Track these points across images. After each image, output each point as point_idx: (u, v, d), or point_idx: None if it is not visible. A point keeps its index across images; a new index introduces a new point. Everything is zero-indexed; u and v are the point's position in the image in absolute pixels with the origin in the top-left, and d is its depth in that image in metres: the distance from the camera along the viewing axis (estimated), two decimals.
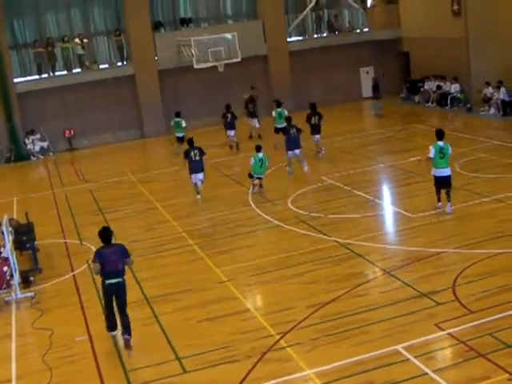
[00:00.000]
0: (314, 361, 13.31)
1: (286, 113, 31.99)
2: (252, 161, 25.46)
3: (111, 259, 14.74)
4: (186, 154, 25.80)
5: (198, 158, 25.62)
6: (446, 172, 21.06)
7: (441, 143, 20.98)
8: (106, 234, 15.15)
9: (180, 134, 34.27)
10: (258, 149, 25.62)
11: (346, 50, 45.21)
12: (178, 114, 34.80)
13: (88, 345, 15.33)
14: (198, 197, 25.89)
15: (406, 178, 25.33)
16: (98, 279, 15.59)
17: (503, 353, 12.62)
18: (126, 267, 15.18)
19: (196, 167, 25.61)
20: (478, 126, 33.86)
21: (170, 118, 39.30)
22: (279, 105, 33.36)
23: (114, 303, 14.99)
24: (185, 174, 26.50)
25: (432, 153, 20.81)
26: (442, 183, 21.12)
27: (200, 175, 25.78)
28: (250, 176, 25.95)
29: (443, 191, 21.21)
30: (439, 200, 21.42)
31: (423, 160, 21.88)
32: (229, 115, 34.62)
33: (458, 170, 25.43)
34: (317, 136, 30.69)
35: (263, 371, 13.19)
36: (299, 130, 27.93)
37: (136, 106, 41.87)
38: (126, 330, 15.01)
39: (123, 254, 15.00)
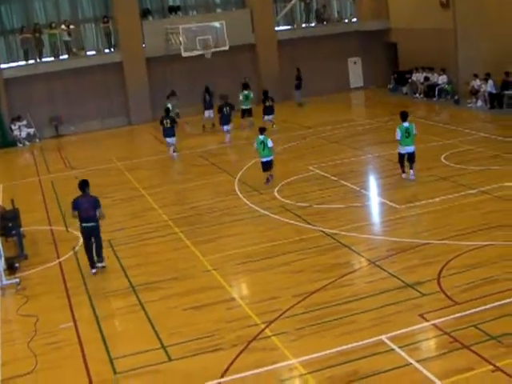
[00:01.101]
0: (299, 350, 13.34)
1: (251, 95, 36.81)
2: (255, 145, 25.38)
3: (84, 207, 18.47)
4: (220, 109, 33.95)
5: (228, 111, 33.75)
6: (410, 149, 23.58)
7: (406, 124, 23.42)
8: (81, 184, 18.84)
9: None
10: (261, 131, 25.43)
11: (335, 40, 45.22)
12: (246, 86, 37.34)
13: (73, 332, 15.31)
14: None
15: (392, 169, 25.35)
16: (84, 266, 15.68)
17: (487, 344, 12.67)
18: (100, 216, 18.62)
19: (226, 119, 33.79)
20: (465, 118, 33.95)
21: (157, 106, 39.35)
22: (246, 86, 36.90)
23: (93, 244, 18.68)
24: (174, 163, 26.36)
25: (398, 135, 23.50)
26: (407, 158, 23.74)
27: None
28: (264, 168, 25.36)
29: (407, 164, 23.79)
30: (403, 172, 23.97)
31: None
32: (207, 96, 37.48)
33: (444, 161, 25.52)
34: (270, 116, 35.38)
35: (248, 360, 13.21)
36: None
37: (123, 93, 41.78)
38: (99, 258, 18.84)
39: (94, 204, 18.54)
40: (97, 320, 15.82)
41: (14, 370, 13.86)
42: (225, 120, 34.24)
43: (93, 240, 18.68)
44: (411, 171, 23.71)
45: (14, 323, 16.35)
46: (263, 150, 25.00)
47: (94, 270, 18.53)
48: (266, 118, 35.33)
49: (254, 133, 30.83)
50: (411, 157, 23.65)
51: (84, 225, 18.55)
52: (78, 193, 26.16)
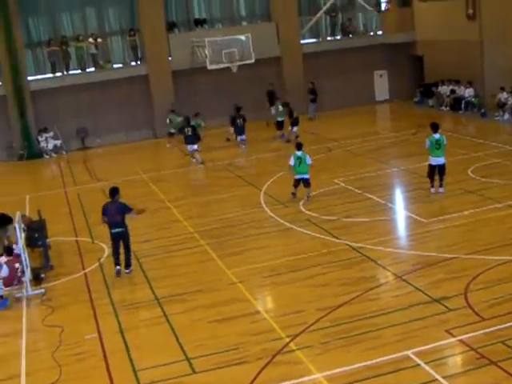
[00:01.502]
0: (324, 364, 13.27)
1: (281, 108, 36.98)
2: (291, 160, 24.53)
3: (112, 213, 19.27)
4: (232, 121, 35.52)
5: (241, 123, 34.90)
6: (441, 160, 23.30)
7: (437, 135, 23.25)
8: (111, 191, 19.68)
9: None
10: (298, 146, 24.85)
11: (360, 52, 45.07)
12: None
13: (98, 343, 15.34)
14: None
15: (418, 183, 25.22)
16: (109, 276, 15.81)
17: None
18: (127, 221, 19.42)
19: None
20: (492, 131, 33.75)
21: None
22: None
23: (121, 246, 19.43)
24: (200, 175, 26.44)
25: (427, 144, 23.38)
26: (438, 170, 23.43)
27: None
28: (295, 185, 24.68)
29: (437, 178, 23.56)
30: (432, 186, 23.60)
31: None
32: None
33: (471, 174, 25.37)
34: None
35: (272, 374, 13.17)
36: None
37: (149, 106, 41.87)
38: (127, 263, 19.46)
39: (121, 209, 19.26)
40: (121, 331, 15.84)
41: (38, 381, 13.93)
42: (239, 131, 35.22)
43: (121, 244, 19.45)
44: (440, 188, 23.56)
45: (39, 333, 16.42)
46: (299, 166, 24.34)
47: (118, 267, 19.37)
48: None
49: (282, 145, 30.97)
50: (442, 169, 23.41)
51: (112, 231, 19.34)
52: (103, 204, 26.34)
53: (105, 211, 19.49)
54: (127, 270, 19.40)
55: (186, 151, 33.70)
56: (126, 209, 19.41)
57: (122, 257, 19.52)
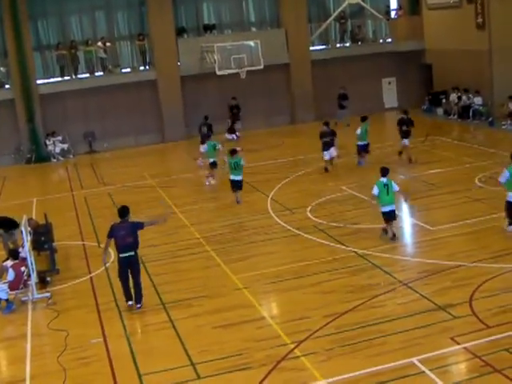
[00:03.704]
0: (329, 371, 13.26)
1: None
2: (375, 189, 20.59)
3: (121, 234, 16.95)
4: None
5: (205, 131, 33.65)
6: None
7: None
8: (120, 209, 17.48)
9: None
10: (384, 172, 20.74)
11: (369, 60, 45.07)
12: (364, 118, 31.09)
13: (103, 347, 15.36)
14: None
15: (425, 191, 25.21)
16: (115, 281, 15.84)
17: None
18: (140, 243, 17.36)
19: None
20: (500, 139, 33.68)
21: (190, 124, 39.62)
22: (364, 119, 31.02)
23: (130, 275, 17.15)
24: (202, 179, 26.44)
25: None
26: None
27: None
28: (387, 219, 20.67)
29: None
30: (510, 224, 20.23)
31: None
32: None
33: (478, 183, 25.32)
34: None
35: (277, 380, 13.17)
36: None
37: (157, 110, 41.94)
38: (137, 298, 17.17)
39: (133, 229, 17.11)
40: (127, 336, 15.86)
41: None
42: (202, 139, 33.53)
43: (131, 273, 17.22)
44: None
45: (44, 337, 16.45)
46: (387, 195, 20.50)
47: (130, 302, 17.21)
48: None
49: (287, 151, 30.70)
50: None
51: (121, 255, 17.05)
52: (110, 209, 26.46)
53: (113, 232, 17.17)
54: (139, 305, 17.20)
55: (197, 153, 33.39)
56: (137, 226, 17.34)
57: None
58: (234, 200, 26.30)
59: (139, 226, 17.40)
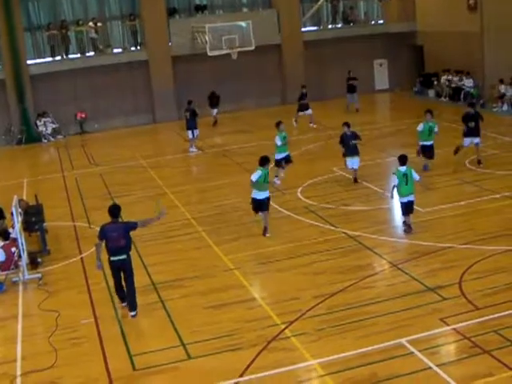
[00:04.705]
0: (319, 351, 13.33)
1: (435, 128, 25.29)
2: (396, 180, 19.55)
3: (113, 236, 15.44)
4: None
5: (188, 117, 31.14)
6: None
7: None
8: (111, 209, 15.89)
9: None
10: (403, 160, 19.57)
11: (361, 41, 45.02)
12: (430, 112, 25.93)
13: (94, 328, 15.39)
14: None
15: (416, 171, 25.17)
16: (106, 260, 15.81)
17: (508, 350, 12.62)
18: (132, 245, 16.00)
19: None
20: (491, 122, 33.56)
21: (182, 105, 39.44)
22: (430, 113, 25.63)
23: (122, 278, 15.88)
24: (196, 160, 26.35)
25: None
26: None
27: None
28: (405, 211, 19.61)
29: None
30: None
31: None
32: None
33: (469, 165, 25.37)
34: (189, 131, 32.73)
35: (267, 360, 13.22)
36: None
37: (148, 91, 41.86)
38: (131, 305, 15.81)
39: (126, 230, 15.59)
40: (117, 316, 15.89)
41: (34, 365, 13.95)
42: (187, 125, 32.94)
43: (123, 277, 15.87)
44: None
45: (35, 318, 16.46)
46: (406, 184, 19.33)
47: (124, 303, 16.13)
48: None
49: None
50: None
51: (112, 258, 15.61)
52: (101, 190, 26.42)
53: (104, 234, 15.59)
54: (132, 313, 15.80)
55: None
56: (131, 226, 15.82)
57: None
58: (227, 182, 26.32)
59: (133, 226, 15.88)
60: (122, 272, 15.74)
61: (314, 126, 35.85)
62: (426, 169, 25.02)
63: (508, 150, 27.14)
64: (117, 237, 15.46)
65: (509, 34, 36.46)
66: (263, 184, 20.05)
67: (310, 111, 36.01)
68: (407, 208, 19.46)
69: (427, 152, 25.11)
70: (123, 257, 15.55)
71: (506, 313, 14.03)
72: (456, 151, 25.58)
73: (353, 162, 24.68)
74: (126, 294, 15.91)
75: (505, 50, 36.68)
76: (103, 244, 15.75)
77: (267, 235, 20.10)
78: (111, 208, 15.92)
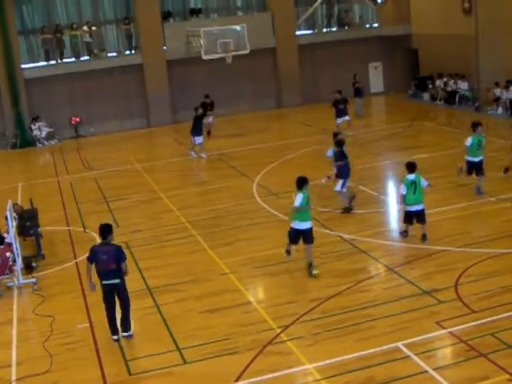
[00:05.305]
0: (315, 355, 13.29)
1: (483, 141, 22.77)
2: (403, 189, 18.62)
3: (103, 258, 14.43)
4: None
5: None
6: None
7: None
8: (101, 229, 14.80)
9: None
10: (412, 168, 18.71)
11: (355, 45, 45.09)
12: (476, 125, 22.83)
13: (89, 332, 15.33)
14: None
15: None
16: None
17: (504, 353, 12.60)
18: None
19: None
20: (485, 125, 33.66)
21: (176, 109, 39.46)
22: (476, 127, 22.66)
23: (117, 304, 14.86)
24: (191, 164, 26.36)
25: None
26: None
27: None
28: (406, 220, 19.05)
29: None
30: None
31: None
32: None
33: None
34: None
35: (263, 364, 13.18)
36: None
37: (143, 95, 41.83)
38: (124, 326, 14.87)
39: (117, 255, 14.50)
40: None
41: (30, 370, 13.89)
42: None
43: (119, 302, 14.89)
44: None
45: (30, 322, 16.40)
46: (414, 193, 18.59)
47: (115, 337, 14.78)
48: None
49: (274, 136, 30.65)
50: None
51: (104, 282, 14.62)
52: (96, 194, 26.36)
53: (94, 256, 14.60)
54: (126, 334, 14.85)
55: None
56: (121, 255, 14.65)
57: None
58: (222, 185, 26.28)
59: (123, 257, 14.65)
60: (115, 295, 14.73)
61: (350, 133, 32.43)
62: (479, 192, 22.13)
63: (503, 153, 27.09)
64: (107, 260, 14.44)
65: (503, 37, 36.53)
66: (306, 210, 17.55)
67: (348, 117, 33.49)
68: (417, 217, 18.79)
69: (477, 169, 22.36)
70: (116, 281, 14.54)
71: (502, 316, 14.02)
72: (507, 170, 24.17)
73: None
74: (121, 316, 14.86)
75: (500, 53, 36.73)
76: (93, 266, 14.71)
77: (315, 273, 17.17)
78: (102, 228, 14.82)
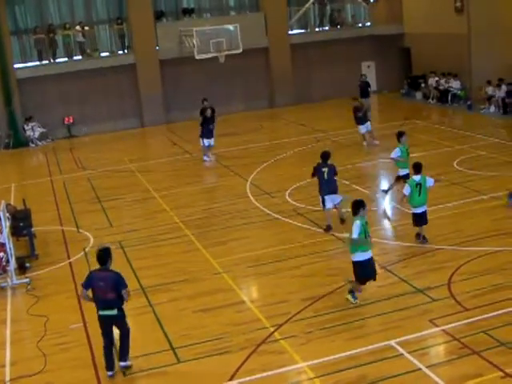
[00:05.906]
0: (308, 354, 13.33)
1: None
2: (407, 189, 18.25)
3: (100, 285, 13.10)
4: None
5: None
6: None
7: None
8: (99, 254, 13.40)
9: None
10: (417, 168, 18.29)
11: (348, 44, 45.14)
12: None
13: (83, 332, 15.33)
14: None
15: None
16: (94, 264, 15.57)
17: (497, 351, 12.65)
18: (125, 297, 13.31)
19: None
20: (478, 123, 33.82)
21: (169, 108, 39.46)
22: None
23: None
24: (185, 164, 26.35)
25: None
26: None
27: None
28: (417, 223, 18.71)
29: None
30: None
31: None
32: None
33: (457, 167, 25.44)
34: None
35: (257, 363, 13.21)
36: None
37: (136, 95, 41.79)
38: (122, 355, 13.63)
39: (115, 283, 13.09)
40: None
41: (23, 370, 13.91)
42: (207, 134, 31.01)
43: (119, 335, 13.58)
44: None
45: (23, 323, 16.40)
46: (419, 195, 18.27)
47: (110, 373, 13.36)
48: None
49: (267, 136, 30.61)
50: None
51: (100, 313, 13.28)
52: (89, 194, 26.33)
53: (90, 282, 13.28)
54: (123, 364, 13.53)
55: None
56: (121, 282, 13.16)
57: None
58: (215, 185, 26.25)
59: (123, 284, 13.16)
60: (113, 327, 13.50)
61: (376, 142, 31.05)
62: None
63: (495, 151, 27.22)
64: (104, 287, 13.05)
65: (496, 36, 36.59)
66: (366, 238, 15.42)
67: (369, 125, 31.13)
68: (421, 219, 18.62)
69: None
70: (113, 312, 13.17)
71: (495, 313, 14.06)
72: None
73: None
74: (119, 345, 13.59)
75: (492, 52, 36.78)
76: (89, 294, 13.43)
77: (356, 301, 15.42)
78: (99, 253, 13.41)
